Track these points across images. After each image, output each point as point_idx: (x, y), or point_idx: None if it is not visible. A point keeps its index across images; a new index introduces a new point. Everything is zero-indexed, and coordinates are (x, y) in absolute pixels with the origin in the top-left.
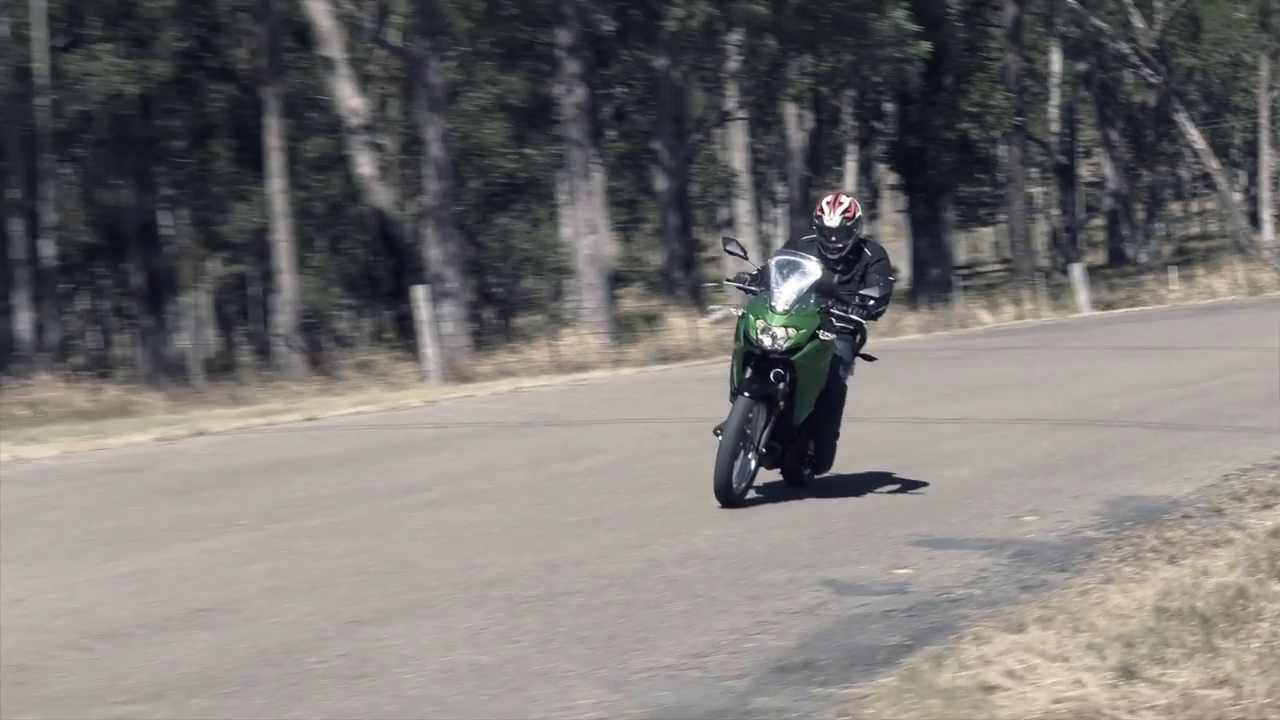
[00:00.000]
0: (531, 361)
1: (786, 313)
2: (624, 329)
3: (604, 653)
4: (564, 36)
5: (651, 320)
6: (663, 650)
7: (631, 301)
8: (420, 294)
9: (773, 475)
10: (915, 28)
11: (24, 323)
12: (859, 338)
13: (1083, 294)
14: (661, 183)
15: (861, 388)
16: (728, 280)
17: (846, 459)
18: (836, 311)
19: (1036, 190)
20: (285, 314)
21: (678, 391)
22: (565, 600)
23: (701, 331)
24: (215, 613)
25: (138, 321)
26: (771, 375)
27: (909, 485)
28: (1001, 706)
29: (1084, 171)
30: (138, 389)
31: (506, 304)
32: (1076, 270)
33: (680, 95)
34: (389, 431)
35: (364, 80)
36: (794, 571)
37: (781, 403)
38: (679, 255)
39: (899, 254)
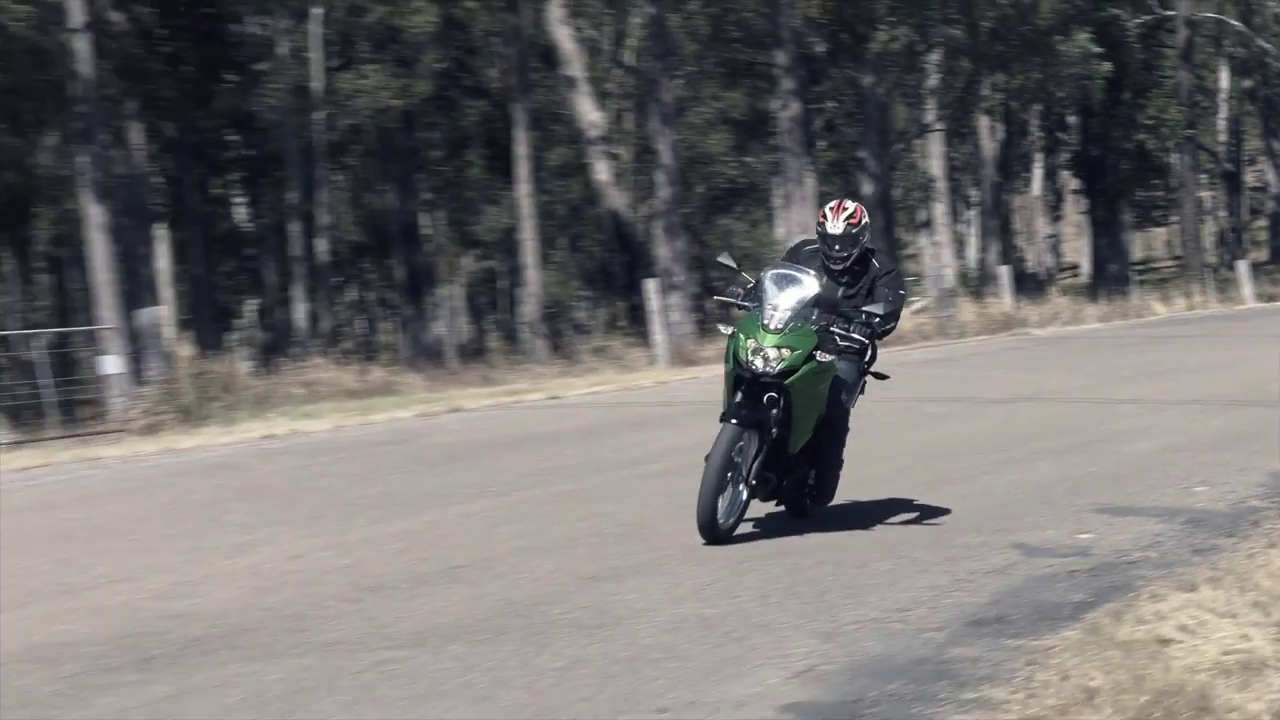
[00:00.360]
0: None
1: (780, 331)
2: None
3: (816, 607)
4: (781, 57)
5: None
6: (869, 605)
7: None
8: (651, 287)
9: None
10: (1098, 49)
11: (300, 312)
12: (867, 357)
13: (1247, 287)
14: (867, 187)
15: (1046, 372)
16: (718, 296)
17: (1036, 435)
18: (837, 330)
19: (1205, 194)
20: (530, 304)
21: None
22: (781, 560)
23: (903, 321)
24: (469, 569)
25: (399, 311)
26: (765, 400)
27: (1091, 459)
28: (1175, 658)
29: (1249, 177)
30: (399, 371)
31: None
32: (1241, 266)
33: (884, 109)
34: (622, 409)
35: (602, 96)
36: (987, 535)
37: (775, 430)
38: (881, 252)
39: (1080, 251)
